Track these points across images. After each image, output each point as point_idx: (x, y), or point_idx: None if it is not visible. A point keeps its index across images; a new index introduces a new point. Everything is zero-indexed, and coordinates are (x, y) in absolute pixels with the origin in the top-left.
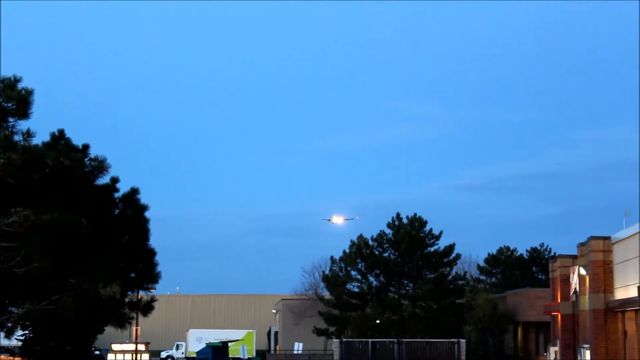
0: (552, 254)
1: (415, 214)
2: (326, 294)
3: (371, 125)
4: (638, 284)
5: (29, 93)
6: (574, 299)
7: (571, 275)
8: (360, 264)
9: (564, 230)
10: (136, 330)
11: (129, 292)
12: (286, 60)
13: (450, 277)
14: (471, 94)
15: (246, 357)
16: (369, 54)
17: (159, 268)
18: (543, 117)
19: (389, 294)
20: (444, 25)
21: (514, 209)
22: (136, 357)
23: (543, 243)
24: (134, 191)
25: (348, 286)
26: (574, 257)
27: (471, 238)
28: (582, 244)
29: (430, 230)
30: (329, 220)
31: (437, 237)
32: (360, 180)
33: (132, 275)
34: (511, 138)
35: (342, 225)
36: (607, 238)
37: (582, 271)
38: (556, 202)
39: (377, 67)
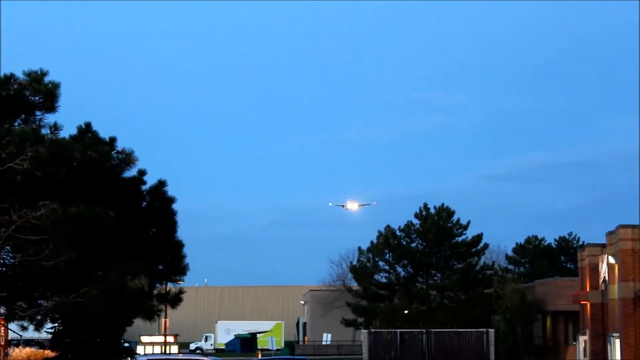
0: (580, 243)
1: (442, 204)
2: (354, 285)
3: (399, 115)
4: None
5: (55, 86)
6: (603, 288)
7: (600, 264)
8: (388, 255)
9: (593, 219)
10: (165, 322)
11: (157, 285)
12: (313, 51)
13: (478, 267)
14: (500, 83)
15: (275, 349)
16: (397, 44)
17: (186, 260)
18: (572, 105)
19: (417, 284)
20: (471, 15)
21: (542, 198)
22: (165, 349)
23: (572, 232)
24: (162, 183)
25: (376, 277)
26: (603, 246)
27: (499, 228)
28: (610, 233)
29: (458, 220)
30: (343, 206)
31: (465, 227)
32: (388, 171)
33: (160, 267)
34: (540, 127)
35: (369, 216)
36: (636, 226)
37: (611, 260)
38: (585, 191)
39: (405, 57)
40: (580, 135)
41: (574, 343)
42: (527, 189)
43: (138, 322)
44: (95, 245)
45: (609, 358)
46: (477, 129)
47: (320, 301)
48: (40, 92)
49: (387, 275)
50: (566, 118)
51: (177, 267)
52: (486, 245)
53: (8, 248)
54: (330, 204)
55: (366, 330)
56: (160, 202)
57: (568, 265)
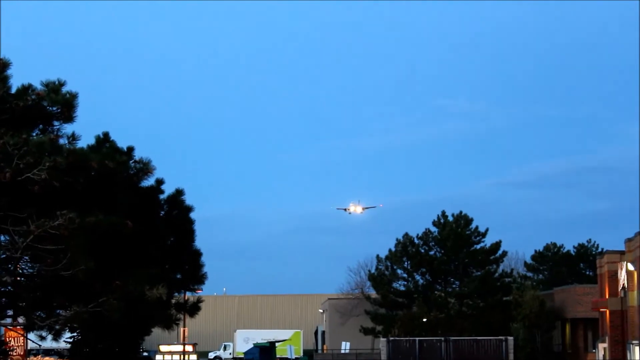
0: (599, 250)
1: (460, 212)
2: (372, 293)
3: (418, 122)
4: None
5: (73, 97)
6: (622, 295)
7: (619, 271)
8: (406, 263)
9: (612, 226)
10: (183, 331)
11: (176, 294)
12: (331, 56)
13: (496, 274)
14: (519, 90)
15: (293, 357)
16: (416, 51)
17: (204, 269)
18: (591, 112)
19: (435, 292)
20: (490, 22)
21: (561, 205)
22: (184, 358)
23: (590, 239)
24: (179, 192)
25: (394, 285)
26: (622, 253)
27: (518, 235)
28: (629, 240)
29: (476, 227)
30: (346, 209)
31: (483, 235)
32: (406, 177)
33: (178, 276)
34: (558, 134)
35: (386, 222)
36: None
37: (630, 267)
38: (604, 198)
39: (425, 64)
40: (599, 141)
41: (594, 350)
42: (546, 195)
43: (157, 331)
44: (113, 255)
45: None
46: (496, 136)
47: (338, 309)
48: (58, 102)
49: (405, 283)
50: (585, 124)
51: (195, 276)
52: (505, 253)
53: (26, 258)
54: (336, 208)
55: (385, 339)
56: (178, 211)
57: (587, 273)
